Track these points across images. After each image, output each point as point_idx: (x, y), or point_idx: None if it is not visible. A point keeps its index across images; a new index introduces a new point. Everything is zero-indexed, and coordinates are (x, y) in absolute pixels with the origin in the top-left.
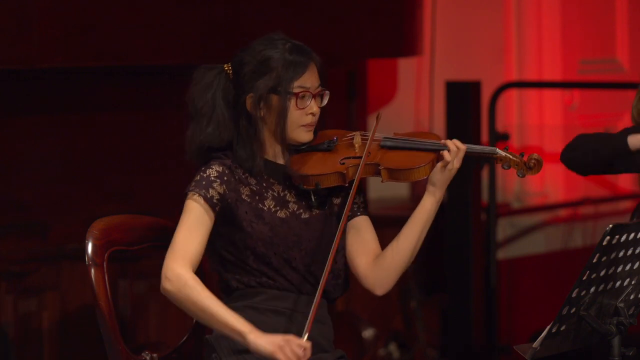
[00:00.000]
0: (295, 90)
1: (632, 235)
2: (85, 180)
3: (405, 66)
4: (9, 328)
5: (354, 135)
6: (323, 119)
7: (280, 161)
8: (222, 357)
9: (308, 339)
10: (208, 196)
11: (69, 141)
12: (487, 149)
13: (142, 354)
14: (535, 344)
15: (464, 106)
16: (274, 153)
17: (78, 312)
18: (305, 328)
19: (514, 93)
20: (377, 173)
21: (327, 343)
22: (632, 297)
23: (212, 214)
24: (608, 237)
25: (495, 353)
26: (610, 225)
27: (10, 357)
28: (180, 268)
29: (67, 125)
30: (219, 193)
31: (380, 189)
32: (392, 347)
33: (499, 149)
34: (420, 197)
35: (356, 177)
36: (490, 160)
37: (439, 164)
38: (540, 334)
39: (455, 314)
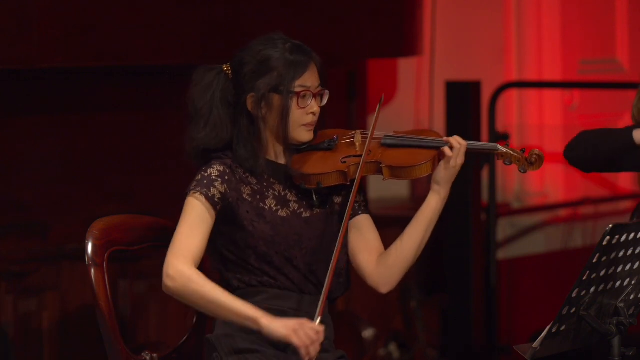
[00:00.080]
0: (297, 90)
1: (632, 235)
2: (85, 180)
3: (405, 66)
4: (9, 328)
5: (354, 134)
6: (323, 118)
7: (281, 161)
8: (223, 357)
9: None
10: (209, 195)
11: (69, 141)
12: (488, 145)
13: (142, 354)
14: (535, 344)
15: (464, 106)
16: (275, 153)
17: (78, 312)
18: (317, 312)
19: (514, 93)
20: (379, 171)
21: (327, 343)
22: (632, 297)
23: (213, 213)
24: (608, 237)
25: (495, 353)
26: (610, 225)
27: (10, 357)
28: (183, 265)
29: (67, 125)
30: (220, 192)
31: (380, 189)
32: (392, 347)
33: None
34: (421, 197)
35: (357, 175)
36: (492, 156)
37: (443, 162)
38: (540, 334)
39: (455, 314)
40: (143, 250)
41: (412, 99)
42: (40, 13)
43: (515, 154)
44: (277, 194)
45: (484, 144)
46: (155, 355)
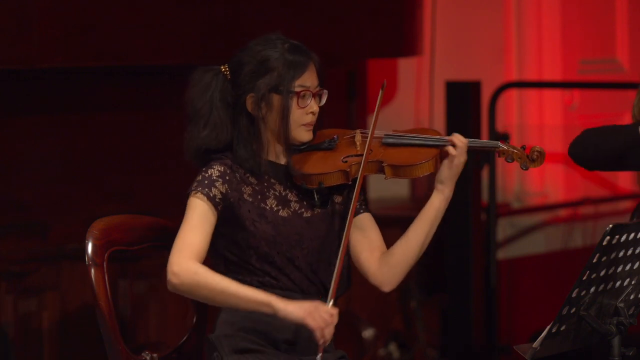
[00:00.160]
0: (297, 90)
1: (632, 235)
2: (85, 180)
3: (405, 66)
4: (9, 328)
5: (354, 133)
6: (322, 118)
7: (281, 161)
8: (224, 357)
9: (308, 334)
10: (211, 195)
11: (69, 141)
12: (490, 142)
13: (142, 354)
14: (535, 344)
15: (464, 106)
16: (275, 153)
17: (78, 312)
18: (330, 295)
19: (514, 93)
20: (381, 170)
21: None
22: (632, 297)
23: (215, 213)
24: (608, 237)
25: (495, 353)
26: (610, 225)
27: (10, 357)
28: (187, 261)
29: (67, 125)
30: (221, 192)
31: (380, 189)
32: (392, 347)
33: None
34: (421, 198)
35: (359, 174)
36: (492, 155)
37: (446, 161)
38: (540, 334)
39: (455, 314)
40: (143, 250)
41: (412, 99)
42: (40, 13)
43: (517, 151)
44: (277, 194)
45: (485, 141)
46: (155, 355)
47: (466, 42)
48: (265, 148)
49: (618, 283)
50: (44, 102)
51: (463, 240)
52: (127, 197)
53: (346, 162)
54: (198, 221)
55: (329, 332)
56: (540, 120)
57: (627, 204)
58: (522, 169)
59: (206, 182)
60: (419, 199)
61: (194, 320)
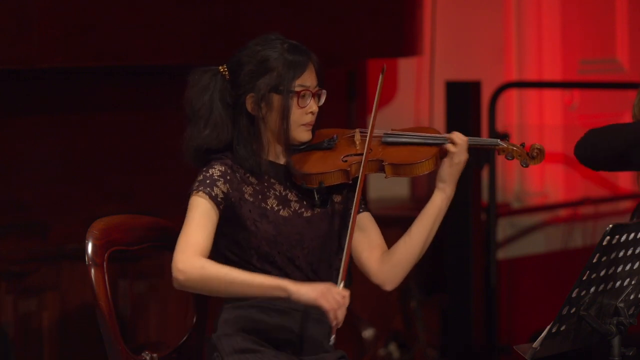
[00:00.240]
0: (297, 89)
1: (632, 235)
2: (85, 180)
3: (405, 66)
4: (9, 328)
5: (353, 132)
6: (321, 118)
7: (280, 161)
8: (224, 357)
9: (308, 334)
10: (213, 194)
11: (69, 141)
12: (490, 140)
13: (142, 354)
14: (535, 344)
15: (464, 106)
16: (275, 153)
17: (78, 312)
18: (340, 277)
19: (514, 93)
20: (381, 169)
21: (327, 343)
22: (632, 297)
23: (217, 212)
24: (608, 237)
25: (495, 353)
26: (610, 225)
27: (10, 357)
28: (191, 257)
29: (67, 125)
30: (222, 192)
31: (380, 189)
32: (392, 347)
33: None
34: (421, 198)
35: (360, 173)
36: (492, 154)
37: (447, 159)
38: (540, 334)
39: (455, 314)
40: (143, 250)
41: (412, 99)
42: (40, 13)
43: (517, 149)
44: (277, 194)
45: (485, 139)
46: (155, 355)
47: (466, 42)
48: (265, 148)
49: (618, 283)
50: (44, 102)
51: (463, 240)
52: (127, 197)
53: (346, 161)
54: (201, 219)
55: (341, 314)
56: (540, 120)
57: (627, 204)
58: (522, 166)
59: (208, 181)
60: (419, 199)
61: (194, 320)
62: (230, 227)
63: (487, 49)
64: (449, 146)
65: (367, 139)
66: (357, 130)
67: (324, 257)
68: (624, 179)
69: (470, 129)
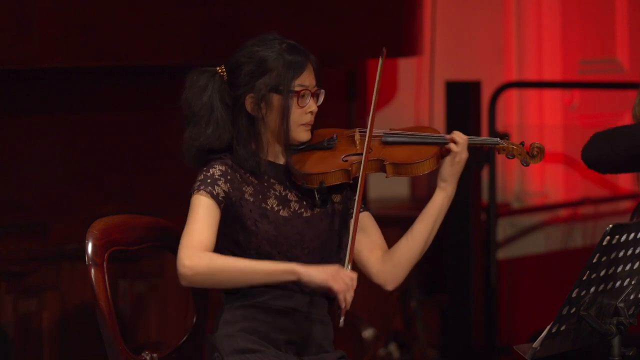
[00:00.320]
0: (297, 89)
1: (632, 235)
2: (85, 180)
3: (405, 66)
4: (9, 328)
5: (353, 132)
6: (318, 118)
7: (280, 161)
8: (224, 357)
9: (308, 334)
10: (214, 193)
11: (69, 141)
12: (490, 139)
13: (142, 354)
14: (535, 344)
15: (464, 106)
16: (274, 153)
17: (78, 312)
18: (347, 259)
19: (514, 93)
20: (382, 168)
21: (327, 343)
22: (632, 297)
23: (219, 210)
24: (608, 237)
25: (495, 353)
26: (610, 225)
27: (10, 357)
28: (197, 251)
29: (67, 125)
30: (224, 191)
31: (380, 189)
32: (392, 347)
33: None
34: (421, 197)
35: (361, 172)
36: (492, 153)
37: (448, 158)
38: (540, 334)
39: (455, 314)
40: (143, 250)
41: (412, 99)
42: (40, 13)
43: (516, 147)
44: (277, 194)
45: (485, 138)
46: (155, 355)
47: (466, 42)
48: (265, 148)
49: (618, 283)
50: (44, 102)
51: (463, 240)
52: (127, 197)
53: (347, 161)
54: (204, 217)
55: (350, 296)
56: (540, 120)
57: (627, 204)
58: (522, 165)
59: (209, 180)
60: (419, 199)
61: (194, 320)
62: (231, 227)
63: (487, 49)
64: (451, 145)
65: (367, 137)
66: (357, 129)
67: (324, 257)
68: (624, 179)
69: (470, 129)
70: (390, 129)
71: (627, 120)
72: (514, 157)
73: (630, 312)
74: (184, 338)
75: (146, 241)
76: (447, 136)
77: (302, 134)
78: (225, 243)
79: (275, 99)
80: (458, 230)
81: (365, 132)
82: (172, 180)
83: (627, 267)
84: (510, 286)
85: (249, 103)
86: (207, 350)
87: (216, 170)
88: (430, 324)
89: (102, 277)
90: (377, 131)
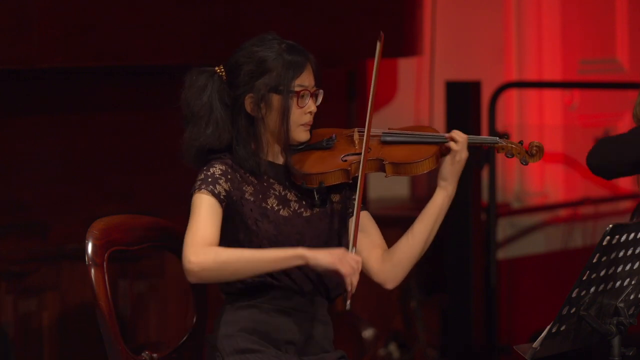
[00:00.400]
0: (296, 89)
1: (632, 235)
2: (85, 180)
3: (405, 66)
4: (9, 328)
5: (352, 132)
6: (317, 118)
7: (279, 161)
8: (224, 357)
9: (309, 334)
10: (216, 192)
11: (69, 141)
12: (489, 138)
13: (142, 354)
14: (535, 344)
15: (464, 106)
16: (273, 153)
17: (78, 312)
18: (351, 243)
19: (514, 93)
20: (381, 168)
21: (327, 343)
22: (632, 297)
23: (221, 208)
24: (608, 237)
25: (495, 353)
26: (610, 225)
27: (10, 357)
28: (202, 247)
29: (67, 125)
30: (225, 190)
31: (380, 189)
32: (392, 347)
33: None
34: (421, 197)
35: (360, 172)
36: (492, 153)
37: (449, 157)
38: (540, 334)
39: (455, 314)
40: (143, 250)
41: (412, 99)
42: (40, 13)
43: (515, 146)
44: (277, 193)
45: (484, 137)
46: (155, 355)
47: (466, 42)
48: (264, 148)
49: (618, 283)
50: (44, 102)
51: (463, 240)
52: (127, 197)
53: (346, 160)
54: (206, 215)
55: (355, 279)
56: (540, 120)
57: (627, 204)
58: (522, 164)
59: (210, 179)
60: (419, 199)
61: (194, 320)
62: (231, 226)
63: (487, 49)
64: (451, 144)
65: (365, 136)
66: (356, 129)
67: None
68: (624, 179)
69: (470, 129)
70: (389, 129)
71: (627, 120)
72: (513, 156)
73: (630, 312)
74: (184, 338)
75: (146, 241)
76: (447, 135)
77: (301, 134)
78: (225, 243)
79: (275, 99)
80: (458, 230)
81: (364, 132)
82: (172, 180)
83: (627, 267)
84: (510, 286)
85: (248, 103)
86: (207, 350)
87: (217, 169)
88: (430, 324)
89: (102, 277)
90: (376, 131)
